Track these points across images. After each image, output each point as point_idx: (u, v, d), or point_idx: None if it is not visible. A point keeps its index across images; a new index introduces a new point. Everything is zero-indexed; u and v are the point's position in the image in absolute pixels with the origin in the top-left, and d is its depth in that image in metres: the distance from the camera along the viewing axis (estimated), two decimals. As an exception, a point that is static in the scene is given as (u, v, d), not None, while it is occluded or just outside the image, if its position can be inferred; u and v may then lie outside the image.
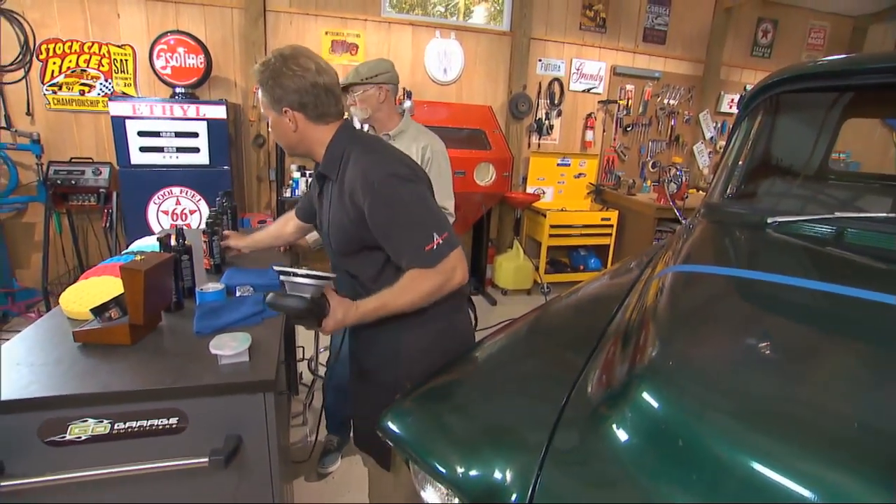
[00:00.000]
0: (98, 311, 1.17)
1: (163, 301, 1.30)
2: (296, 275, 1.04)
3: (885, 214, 1.29)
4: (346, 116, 1.27)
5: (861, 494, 0.52)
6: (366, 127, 2.11)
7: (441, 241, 1.10)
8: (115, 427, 1.01)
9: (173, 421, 1.05)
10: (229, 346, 1.13)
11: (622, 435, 0.70)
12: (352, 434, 1.58)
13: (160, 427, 1.04)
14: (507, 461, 0.74)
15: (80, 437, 0.98)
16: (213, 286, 1.51)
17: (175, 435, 1.05)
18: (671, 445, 0.64)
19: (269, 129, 1.28)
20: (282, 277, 1.06)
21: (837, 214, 1.35)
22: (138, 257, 1.20)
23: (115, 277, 1.41)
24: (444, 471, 0.77)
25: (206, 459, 1.02)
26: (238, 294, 1.54)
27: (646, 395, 0.71)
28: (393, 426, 0.87)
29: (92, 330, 1.14)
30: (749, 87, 1.75)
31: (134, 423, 1.02)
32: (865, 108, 2.27)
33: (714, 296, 1.01)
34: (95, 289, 1.33)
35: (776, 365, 0.77)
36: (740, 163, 1.81)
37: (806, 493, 0.54)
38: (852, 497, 0.53)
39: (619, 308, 1.20)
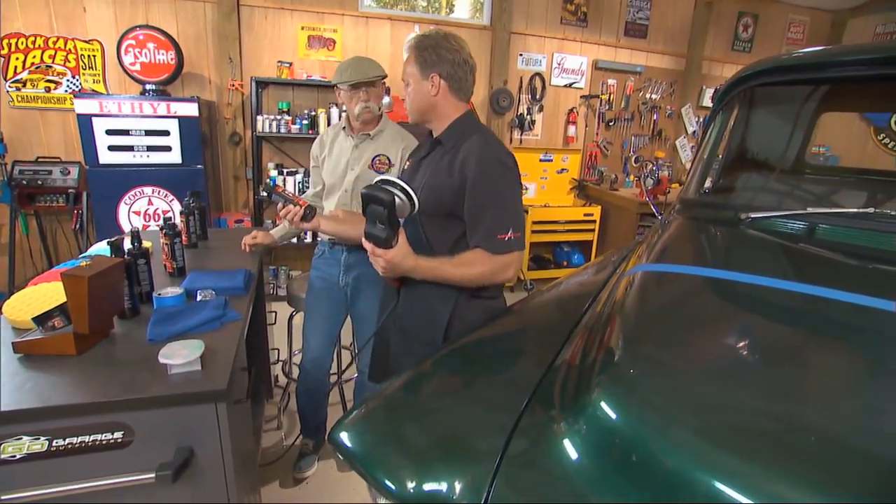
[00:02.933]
0: (41, 319, 1.11)
1: (114, 308, 1.24)
2: (394, 184, 1.09)
3: (856, 210, 1.26)
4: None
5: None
6: (339, 124, 1.95)
7: (513, 237, 1.21)
8: (54, 444, 0.95)
9: (118, 435, 0.99)
10: (180, 355, 1.07)
11: (576, 448, 0.66)
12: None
13: (103, 442, 0.98)
14: (457, 477, 0.70)
15: (14, 456, 0.93)
16: (173, 290, 1.45)
17: (120, 450, 1.00)
18: (625, 461, 0.60)
19: (406, 95, 1.34)
20: (380, 180, 1.11)
21: (810, 210, 1.33)
22: (83, 263, 1.13)
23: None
24: (392, 487, 0.73)
25: (153, 475, 0.97)
26: (199, 298, 1.49)
27: (601, 405, 0.67)
28: (343, 439, 0.83)
29: (33, 340, 1.08)
30: (729, 81, 1.73)
31: (74, 439, 0.96)
32: (841, 102, 2.27)
33: (680, 298, 0.98)
34: (43, 296, 1.26)
35: (740, 374, 0.73)
36: (717, 157, 1.79)
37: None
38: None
39: (587, 308, 1.16)
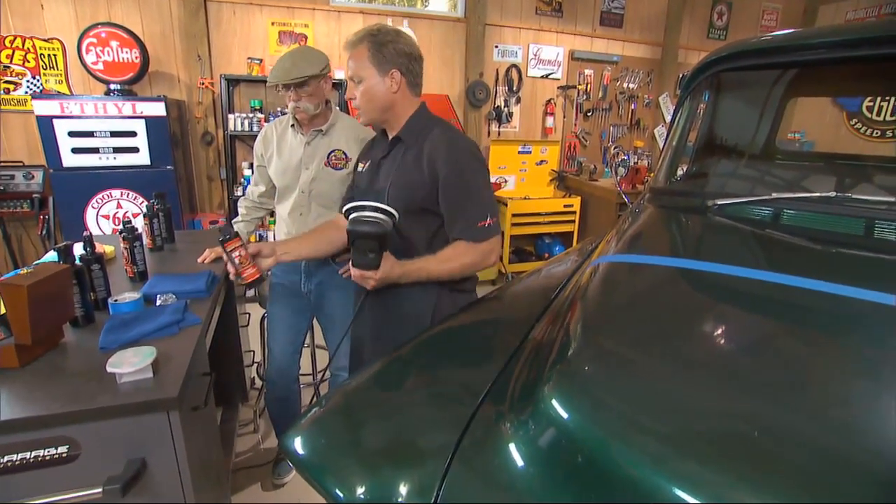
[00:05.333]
0: (-21, 332, 1.05)
1: (62, 316, 1.18)
2: (364, 208, 1.11)
3: (819, 194, 1.26)
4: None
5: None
6: (285, 119, 1.81)
7: (491, 223, 1.25)
8: (-9, 462, 0.90)
9: (63, 450, 0.95)
10: (129, 363, 1.03)
11: (524, 449, 0.64)
12: None
13: (47, 458, 0.94)
14: (406, 481, 0.68)
15: (-53, 477, 0.88)
16: (130, 296, 1.40)
17: (66, 465, 0.96)
18: (571, 463, 0.58)
19: (355, 95, 1.28)
20: (353, 214, 1.12)
21: (774, 195, 1.32)
22: (24, 271, 1.08)
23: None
24: (340, 495, 0.70)
25: (100, 490, 0.93)
26: (159, 303, 1.44)
27: (551, 405, 0.65)
28: (294, 446, 0.80)
29: (-29, 354, 1.03)
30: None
31: (14, 456, 0.92)
32: (809, 87, 2.27)
33: (638, 290, 0.96)
34: (-14, 306, 1.20)
35: (697, 371, 0.71)
36: (687, 144, 1.78)
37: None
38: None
39: (552, 301, 1.14)
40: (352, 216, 1.12)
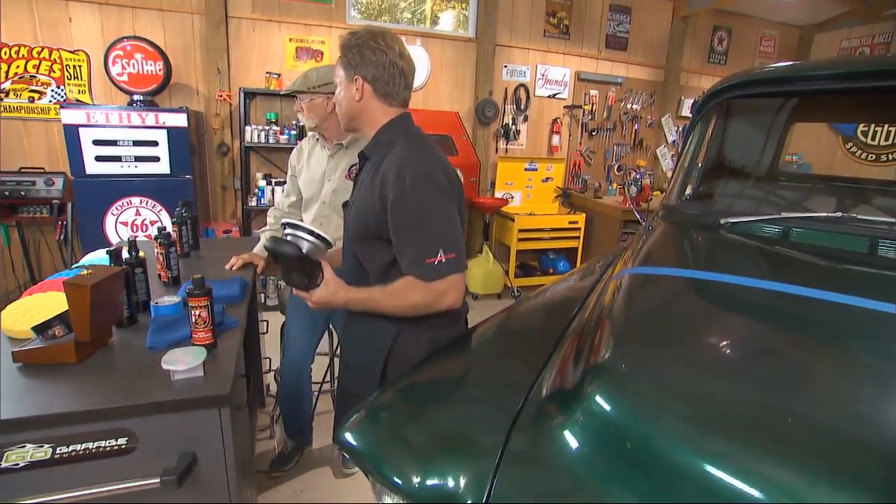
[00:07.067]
0: (40, 328, 1.12)
1: (113, 316, 1.25)
2: (300, 228, 1.06)
3: (826, 214, 1.34)
4: (408, 108, 1.24)
5: (817, 497, 0.53)
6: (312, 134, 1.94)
7: (444, 260, 1.08)
8: (58, 451, 0.96)
9: (122, 441, 1.00)
10: (182, 361, 1.09)
11: (573, 438, 0.70)
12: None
13: (108, 448, 1.00)
14: (461, 469, 0.74)
15: (17, 465, 0.93)
16: (170, 299, 1.46)
17: (125, 456, 1.01)
18: (620, 449, 0.65)
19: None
20: (287, 230, 1.07)
21: (784, 214, 1.41)
22: (84, 272, 1.15)
23: (61, 293, 1.34)
24: (399, 482, 0.76)
25: (158, 480, 0.98)
26: (196, 307, 1.50)
27: (597, 398, 0.72)
28: (349, 438, 0.86)
29: (33, 349, 1.09)
30: (706, 93, 1.81)
31: (78, 446, 0.97)
32: (810, 113, 2.39)
33: (666, 297, 1.03)
34: (40, 305, 1.27)
35: (724, 367, 0.79)
36: (697, 165, 1.87)
37: (758, 495, 0.55)
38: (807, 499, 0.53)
39: (578, 310, 1.21)
40: (284, 231, 1.07)
